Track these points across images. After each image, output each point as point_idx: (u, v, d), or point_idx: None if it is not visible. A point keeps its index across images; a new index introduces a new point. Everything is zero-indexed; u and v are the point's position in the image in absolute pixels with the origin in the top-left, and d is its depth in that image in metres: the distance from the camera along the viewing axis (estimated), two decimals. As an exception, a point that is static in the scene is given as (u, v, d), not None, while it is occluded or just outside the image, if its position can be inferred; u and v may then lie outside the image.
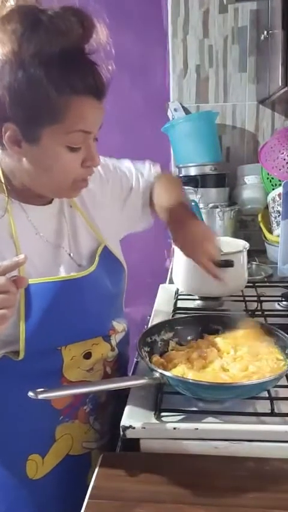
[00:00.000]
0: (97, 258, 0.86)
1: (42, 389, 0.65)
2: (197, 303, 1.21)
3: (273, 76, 1.39)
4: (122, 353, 0.93)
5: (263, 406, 0.75)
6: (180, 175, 1.71)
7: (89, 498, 0.63)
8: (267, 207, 1.66)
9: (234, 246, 1.20)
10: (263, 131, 1.78)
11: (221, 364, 0.80)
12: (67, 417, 0.82)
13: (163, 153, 1.87)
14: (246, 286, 1.21)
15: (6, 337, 0.75)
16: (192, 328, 0.93)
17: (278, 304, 1.20)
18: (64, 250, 0.84)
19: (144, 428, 0.72)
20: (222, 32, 1.72)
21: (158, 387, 0.79)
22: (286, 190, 1.34)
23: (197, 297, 1.21)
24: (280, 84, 1.32)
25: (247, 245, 1.19)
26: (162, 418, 0.74)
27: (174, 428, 0.72)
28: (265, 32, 1.48)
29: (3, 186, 0.79)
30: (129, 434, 0.72)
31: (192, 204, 1.17)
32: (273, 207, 1.58)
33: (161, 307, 1.22)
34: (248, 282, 1.22)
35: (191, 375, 0.75)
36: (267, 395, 0.75)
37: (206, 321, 0.95)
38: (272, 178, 1.66)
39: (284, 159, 1.61)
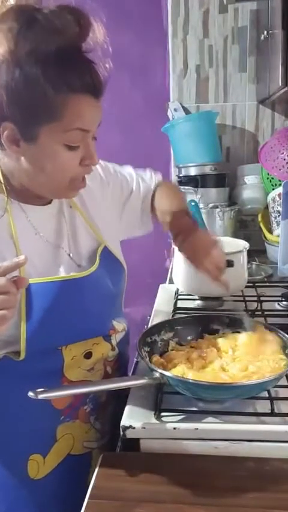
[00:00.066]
0: (98, 258, 0.86)
1: (42, 390, 0.65)
2: (197, 303, 1.21)
3: (273, 76, 1.39)
4: (122, 353, 0.94)
5: (263, 406, 0.75)
6: (180, 175, 1.71)
7: (89, 498, 0.63)
8: (267, 207, 1.66)
9: (234, 246, 1.20)
10: (263, 131, 1.79)
11: (220, 364, 0.80)
12: (68, 417, 0.82)
13: (163, 153, 1.87)
14: (246, 286, 1.21)
15: (7, 337, 0.75)
16: (192, 328, 0.93)
17: (278, 304, 1.20)
18: (64, 250, 0.84)
19: (144, 428, 0.72)
20: (222, 32, 1.72)
21: (158, 387, 0.79)
22: (286, 190, 1.34)
23: (197, 297, 1.21)
24: (280, 84, 1.32)
25: (247, 245, 1.19)
26: (162, 418, 0.74)
27: (174, 428, 0.72)
28: (265, 32, 1.48)
29: (3, 186, 0.79)
30: (129, 434, 0.72)
31: (192, 204, 1.16)
32: (273, 207, 1.59)
33: (161, 307, 1.22)
34: (248, 282, 1.22)
35: (191, 375, 0.75)
36: (267, 395, 0.75)
37: (206, 321, 0.95)
38: (272, 178, 1.66)
39: (284, 159, 1.61)
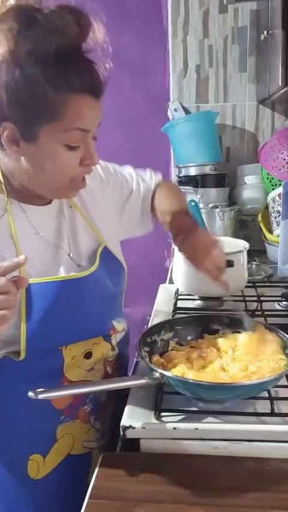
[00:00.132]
0: (98, 258, 0.86)
1: (42, 390, 0.65)
2: (197, 303, 1.21)
3: (273, 76, 1.39)
4: (122, 352, 0.94)
5: (263, 406, 0.75)
6: (180, 175, 1.71)
7: (89, 498, 0.63)
8: (267, 207, 1.66)
9: (234, 246, 1.20)
10: (263, 131, 1.79)
11: (220, 364, 0.80)
12: (68, 417, 0.82)
13: (163, 153, 1.87)
14: (246, 286, 1.21)
15: (7, 337, 0.75)
16: (192, 328, 0.93)
17: (278, 304, 1.20)
18: (64, 250, 0.84)
19: (144, 428, 0.72)
20: (222, 32, 1.72)
21: (158, 387, 0.79)
22: (286, 190, 1.34)
23: (197, 297, 1.21)
24: (280, 84, 1.32)
25: (247, 245, 1.19)
26: (162, 418, 0.74)
27: (174, 428, 0.72)
28: (265, 32, 1.48)
29: (3, 186, 0.79)
30: (129, 434, 0.72)
31: (192, 204, 1.16)
32: (273, 207, 1.59)
33: (161, 307, 1.22)
34: (248, 282, 1.22)
35: (191, 375, 0.75)
36: (267, 395, 0.75)
37: (206, 321, 0.95)
38: (272, 178, 1.66)
39: (284, 159, 1.61)
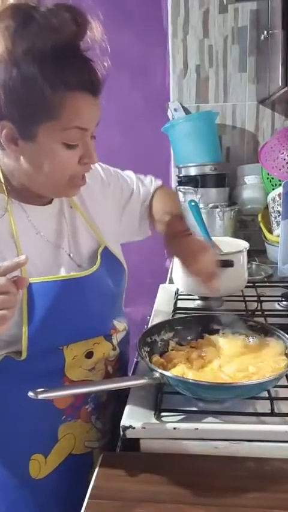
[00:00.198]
0: (99, 258, 0.86)
1: (42, 390, 0.65)
2: (197, 303, 1.21)
3: (273, 76, 1.39)
4: (123, 352, 0.94)
5: (263, 406, 0.75)
6: (180, 175, 1.71)
7: (89, 498, 0.63)
8: (267, 207, 1.66)
9: (234, 246, 1.20)
10: (263, 131, 1.79)
11: (220, 364, 0.80)
12: (69, 417, 0.82)
13: (163, 153, 1.87)
14: (246, 286, 1.21)
15: (9, 337, 0.75)
16: (192, 328, 0.93)
17: (278, 304, 1.20)
18: (64, 250, 0.84)
19: (144, 428, 0.72)
20: (222, 32, 1.72)
21: (158, 387, 0.79)
22: (286, 190, 1.34)
23: (197, 297, 1.21)
24: (280, 84, 1.32)
25: (247, 245, 1.19)
26: (162, 418, 0.74)
27: (174, 428, 0.72)
28: (265, 32, 1.48)
29: (3, 186, 0.79)
30: (129, 434, 0.72)
31: (192, 204, 1.16)
32: (273, 207, 1.59)
33: (161, 307, 1.22)
34: (248, 282, 1.22)
35: (190, 375, 0.75)
36: (267, 395, 0.75)
37: (206, 321, 0.95)
38: (272, 178, 1.66)
39: (284, 159, 1.61)
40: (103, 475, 0.68)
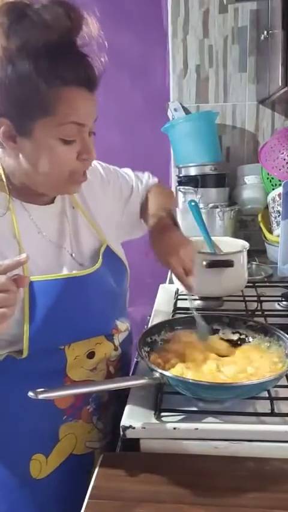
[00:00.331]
0: (101, 257, 0.86)
1: (42, 390, 0.65)
2: (197, 303, 1.21)
3: (273, 76, 1.39)
4: (125, 353, 0.94)
5: (263, 406, 0.75)
6: (180, 175, 1.71)
7: (89, 498, 0.63)
8: (267, 207, 1.66)
9: (234, 246, 1.20)
10: (263, 131, 1.79)
11: (218, 364, 0.80)
12: (70, 417, 0.82)
13: (163, 153, 1.87)
14: (246, 286, 1.21)
15: (11, 337, 0.75)
16: (192, 328, 0.93)
17: (278, 304, 1.20)
18: (66, 250, 0.84)
19: (144, 428, 0.72)
20: (222, 32, 1.72)
21: (158, 387, 0.79)
22: (286, 190, 1.34)
23: (197, 297, 1.21)
24: (280, 84, 1.32)
25: (247, 245, 1.19)
26: (162, 418, 0.74)
27: (174, 428, 0.72)
28: (265, 32, 1.48)
29: (5, 184, 0.79)
30: (129, 434, 0.72)
31: (192, 204, 1.17)
32: (273, 207, 1.59)
33: (161, 307, 1.22)
34: (248, 282, 1.22)
35: (190, 375, 0.75)
36: (267, 395, 0.75)
37: (206, 321, 0.94)
38: (272, 178, 1.66)
39: (284, 159, 1.61)
40: (103, 475, 0.68)
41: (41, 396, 0.64)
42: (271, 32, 1.43)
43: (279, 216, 1.48)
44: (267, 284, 1.36)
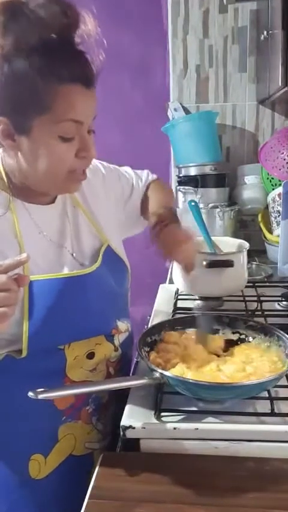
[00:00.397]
0: (101, 256, 0.86)
1: (41, 390, 0.65)
2: (197, 303, 1.21)
3: (273, 76, 1.39)
4: (125, 353, 0.93)
5: (263, 406, 0.75)
6: (180, 175, 1.71)
7: (89, 498, 0.63)
8: (267, 207, 1.66)
9: (234, 246, 1.20)
10: (263, 131, 1.79)
11: (218, 364, 0.80)
12: (70, 417, 0.82)
13: (163, 153, 1.87)
14: (246, 286, 1.21)
15: (10, 336, 0.75)
16: (192, 328, 0.93)
17: (278, 304, 1.20)
18: (67, 250, 0.84)
19: (144, 428, 0.72)
20: (222, 32, 1.72)
21: (158, 387, 0.79)
22: (286, 190, 1.34)
23: (197, 297, 1.21)
24: (280, 84, 1.32)
25: (247, 245, 1.19)
26: (162, 418, 0.74)
27: (174, 428, 0.72)
28: (265, 32, 1.47)
29: (6, 184, 0.79)
30: (129, 434, 0.72)
31: (192, 204, 1.16)
32: (273, 207, 1.59)
33: (161, 307, 1.22)
34: (248, 282, 1.22)
35: (190, 375, 0.75)
36: (267, 395, 0.75)
37: (206, 321, 0.94)
38: (272, 178, 1.66)
39: (284, 159, 1.61)
40: (103, 475, 0.68)
41: (41, 396, 0.64)
42: (271, 32, 1.43)
43: (279, 216, 1.48)
44: (267, 284, 1.36)
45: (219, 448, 0.71)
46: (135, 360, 0.97)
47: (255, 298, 1.19)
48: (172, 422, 0.73)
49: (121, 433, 0.72)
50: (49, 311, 0.76)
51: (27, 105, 0.70)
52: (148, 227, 1.08)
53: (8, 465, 0.81)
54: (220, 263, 1.09)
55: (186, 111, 1.80)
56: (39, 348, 0.76)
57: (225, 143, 1.81)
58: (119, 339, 0.90)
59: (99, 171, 0.98)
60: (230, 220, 1.65)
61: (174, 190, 1.74)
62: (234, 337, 0.91)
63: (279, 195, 1.51)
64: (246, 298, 1.20)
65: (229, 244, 1.22)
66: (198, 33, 1.73)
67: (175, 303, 1.20)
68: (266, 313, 1.10)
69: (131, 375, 0.93)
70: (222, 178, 1.69)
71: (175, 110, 1.78)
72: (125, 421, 0.73)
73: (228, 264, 1.09)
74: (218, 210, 1.62)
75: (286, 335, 0.84)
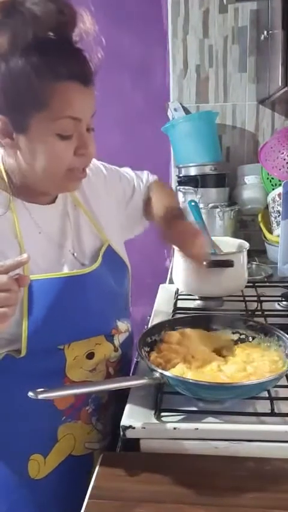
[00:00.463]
0: (100, 256, 0.86)
1: (42, 390, 0.65)
2: (197, 303, 1.21)
3: (273, 76, 1.39)
4: (125, 354, 0.93)
5: (263, 406, 0.75)
6: (180, 175, 1.71)
7: (89, 498, 0.63)
8: (267, 207, 1.66)
9: (234, 246, 1.20)
10: (263, 131, 1.78)
11: (218, 364, 0.80)
12: (69, 417, 0.82)
13: (163, 153, 1.87)
14: (246, 286, 1.21)
15: (10, 336, 0.75)
16: (192, 327, 0.93)
17: (278, 304, 1.20)
18: (67, 249, 0.84)
19: (144, 428, 0.72)
20: (222, 32, 1.72)
21: (158, 387, 0.79)
22: (286, 190, 1.34)
23: (197, 297, 1.21)
24: (280, 84, 1.32)
25: (247, 245, 1.19)
26: (162, 418, 0.74)
27: (174, 428, 0.72)
28: (265, 32, 1.48)
29: (6, 184, 0.79)
30: (129, 434, 0.72)
31: (192, 204, 1.16)
32: (273, 207, 1.59)
33: (161, 307, 1.22)
34: (248, 282, 1.22)
35: (190, 375, 0.75)
36: (267, 396, 0.75)
37: (206, 321, 0.95)
38: (272, 178, 1.66)
39: (284, 159, 1.61)
40: (103, 475, 0.68)
41: (40, 396, 0.64)
42: (271, 32, 1.43)
43: (279, 216, 1.48)
44: (267, 284, 1.35)
45: (219, 448, 0.71)
46: (135, 360, 0.97)
47: (255, 298, 1.19)
48: (172, 422, 0.73)
49: (121, 433, 0.72)
50: (49, 310, 0.76)
51: (24, 103, 0.70)
52: (151, 226, 1.09)
53: (7, 465, 0.81)
54: (220, 263, 1.09)
55: (186, 111, 1.80)
56: (38, 347, 0.76)
57: (225, 143, 1.81)
58: (119, 339, 0.90)
59: (100, 172, 0.98)
60: (230, 220, 1.65)
61: (174, 190, 1.74)
62: (234, 337, 0.91)
63: (279, 195, 1.51)
64: (246, 298, 1.20)
65: (229, 244, 1.22)
66: (198, 33, 1.73)
67: (175, 303, 1.20)
68: (266, 313, 1.10)
69: (131, 375, 0.93)
70: (222, 178, 1.69)
71: (175, 110, 1.78)
72: (125, 421, 0.73)
73: (228, 264, 1.09)
74: (218, 210, 1.62)
75: (286, 335, 0.84)
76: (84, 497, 0.64)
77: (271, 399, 0.74)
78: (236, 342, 0.90)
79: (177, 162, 1.77)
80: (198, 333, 0.90)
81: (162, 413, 0.74)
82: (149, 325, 1.04)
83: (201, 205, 1.57)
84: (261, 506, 0.61)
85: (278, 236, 1.42)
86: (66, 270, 0.81)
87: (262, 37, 1.53)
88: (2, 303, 0.61)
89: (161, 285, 1.42)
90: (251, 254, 1.38)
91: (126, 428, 0.72)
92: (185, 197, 1.66)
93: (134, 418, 0.74)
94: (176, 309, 1.16)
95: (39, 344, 0.76)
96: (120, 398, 0.83)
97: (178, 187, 1.70)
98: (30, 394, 0.64)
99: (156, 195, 1.05)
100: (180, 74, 1.78)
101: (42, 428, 0.81)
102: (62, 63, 0.70)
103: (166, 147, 1.85)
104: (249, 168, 1.75)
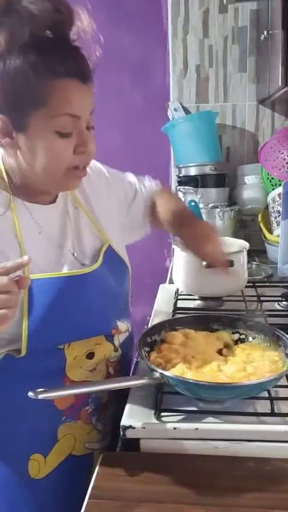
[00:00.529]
0: (101, 256, 0.86)
1: (41, 390, 0.65)
2: (197, 303, 1.21)
3: (273, 76, 1.39)
4: (125, 354, 0.93)
5: (263, 406, 0.75)
6: (180, 175, 1.71)
7: (89, 498, 0.63)
8: (267, 207, 1.66)
9: (234, 246, 1.20)
10: (263, 131, 1.79)
11: (218, 364, 0.80)
12: (69, 417, 0.82)
13: (163, 153, 1.87)
14: (246, 286, 1.21)
15: (10, 335, 0.75)
16: (192, 328, 0.93)
17: (278, 304, 1.20)
18: (68, 250, 0.84)
19: (144, 428, 0.72)
20: (222, 32, 1.72)
21: (158, 387, 0.79)
22: (286, 190, 1.34)
23: (197, 297, 1.21)
24: (280, 84, 1.32)
25: (247, 245, 1.19)
26: (162, 418, 0.74)
27: (174, 428, 0.72)
28: (265, 32, 1.48)
29: (7, 183, 0.79)
30: (129, 434, 0.72)
31: (192, 204, 1.17)
32: (273, 207, 1.59)
33: (161, 307, 1.22)
34: (248, 282, 1.22)
35: (190, 375, 0.75)
36: (267, 396, 0.75)
37: (206, 321, 0.95)
38: (272, 178, 1.66)
39: (284, 159, 1.61)
40: (103, 475, 0.68)
41: (41, 396, 0.64)
42: (271, 32, 1.43)
43: (279, 216, 1.48)
44: (267, 284, 1.35)
45: (219, 448, 0.71)
46: (135, 360, 0.97)
47: (255, 298, 1.19)
48: (172, 422, 0.73)
49: (121, 433, 0.72)
50: (49, 310, 0.76)
51: (23, 101, 0.70)
52: (153, 231, 1.09)
53: (7, 465, 0.81)
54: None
55: (186, 111, 1.80)
56: (38, 347, 0.76)
57: (225, 143, 1.81)
58: (119, 339, 0.90)
59: (102, 174, 0.99)
60: (230, 220, 1.65)
61: (174, 190, 1.74)
62: (235, 337, 0.91)
63: (279, 195, 1.51)
64: (246, 298, 1.20)
65: (229, 244, 1.22)
66: (198, 33, 1.73)
67: (175, 303, 1.20)
68: (266, 313, 1.10)
69: (131, 375, 0.93)
70: (222, 178, 1.69)
71: (175, 110, 1.78)
72: (125, 421, 0.73)
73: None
74: (218, 210, 1.62)
75: (286, 335, 0.84)
76: (84, 497, 0.64)
77: (271, 399, 0.74)
78: (236, 342, 0.90)
79: (177, 162, 1.77)
80: (200, 334, 0.89)
81: (162, 413, 0.74)
82: (149, 325, 1.04)
83: (201, 206, 1.57)
84: (261, 506, 0.61)
85: (278, 236, 1.42)
86: (66, 270, 0.81)
87: (262, 37, 1.53)
88: (2, 305, 0.61)
89: (161, 285, 1.42)
90: (251, 254, 1.38)
91: (126, 428, 0.72)
92: (185, 197, 1.66)
93: (134, 418, 0.74)
94: (176, 309, 1.16)
95: (39, 344, 0.76)
96: (120, 398, 0.83)
97: (178, 187, 1.70)
98: (30, 394, 0.64)
99: (161, 200, 1.04)
100: (180, 74, 1.78)
101: (42, 428, 0.81)
102: (59, 61, 0.70)
103: (166, 147, 1.85)
104: (249, 168, 1.75)
